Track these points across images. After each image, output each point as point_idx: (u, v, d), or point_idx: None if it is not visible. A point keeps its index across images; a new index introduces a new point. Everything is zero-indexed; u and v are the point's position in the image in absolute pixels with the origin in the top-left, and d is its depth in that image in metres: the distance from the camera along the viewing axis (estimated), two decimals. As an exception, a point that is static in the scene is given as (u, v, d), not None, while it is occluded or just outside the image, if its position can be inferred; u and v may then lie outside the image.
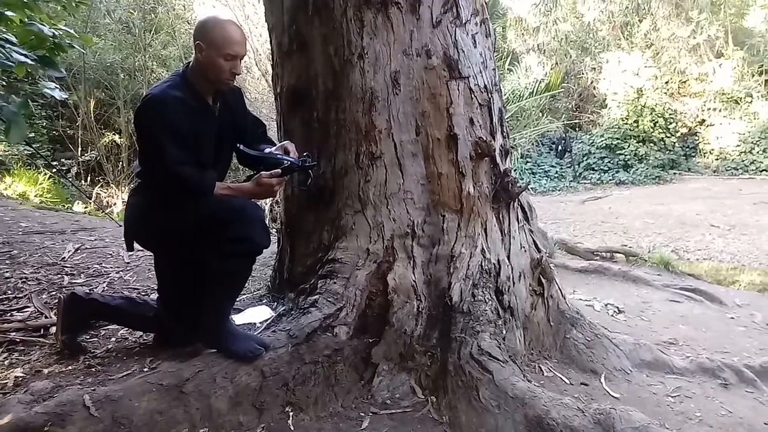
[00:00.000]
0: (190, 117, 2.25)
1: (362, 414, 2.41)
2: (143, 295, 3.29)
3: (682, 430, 2.25)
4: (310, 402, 2.41)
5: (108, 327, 2.88)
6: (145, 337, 2.79)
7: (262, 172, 2.28)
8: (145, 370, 2.44)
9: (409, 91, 2.69)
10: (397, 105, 2.69)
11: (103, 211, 7.76)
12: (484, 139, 2.75)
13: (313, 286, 2.71)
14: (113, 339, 2.79)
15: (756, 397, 2.73)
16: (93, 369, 2.44)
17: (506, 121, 3.09)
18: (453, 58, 2.71)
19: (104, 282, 3.65)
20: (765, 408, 2.63)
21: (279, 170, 2.28)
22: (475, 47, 2.79)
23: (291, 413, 2.37)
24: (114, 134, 11.07)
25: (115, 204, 9.72)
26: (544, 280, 2.91)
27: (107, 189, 10.54)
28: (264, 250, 2.43)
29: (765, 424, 2.46)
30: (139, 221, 2.41)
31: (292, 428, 2.31)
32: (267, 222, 2.76)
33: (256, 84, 14.68)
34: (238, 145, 2.38)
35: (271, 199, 9.47)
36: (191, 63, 2.32)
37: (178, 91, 2.24)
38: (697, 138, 15.18)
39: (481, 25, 2.84)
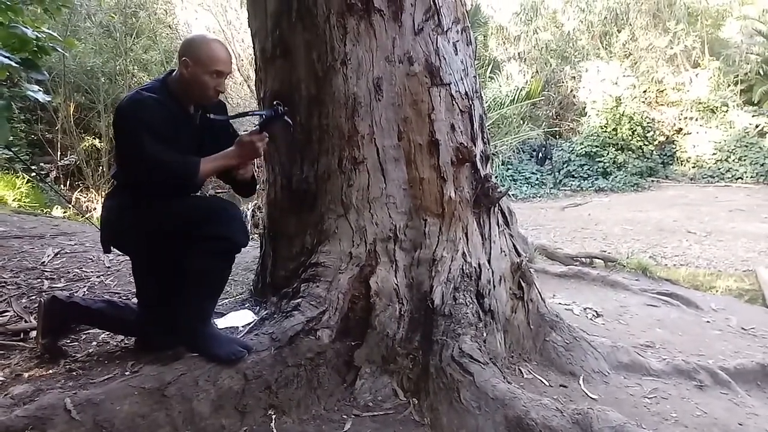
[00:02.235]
0: (168, 120, 2.27)
1: (344, 416, 2.42)
2: (124, 299, 3.28)
3: (658, 430, 2.30)
4: (293, 405, 2.42)
5: (89, 331, 2.86)
6: (126, 341, 2.78)
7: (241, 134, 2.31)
8: (127, 373, 2.42)
9: (392, 97, 2.72)
10: (380, 111, 2.72)
11: (83, 216, 7.68)
12: (465, 144, 2.79)
13: (296, 289, 2.73)
14: (94, 343, 2.78)
15: (731, 398, 2.79)
16: (74, 373, 2.43)
17: (487, 128, 3.14)
18: (434, 65, 2.75)
19: (85, 286, 3.63)
20: (739, 409, 2.69)
21: (257, 127, 2.32)
22: (457, 55, 2.84)
23: (274, 416, 2.37)
24: (94, 138, 10.97)
25: (95, 209, 9.62)
26: (524, 284, 2.96)
27: (87, 193, 10.43)
28: (243, 250, 2.45)
29: (740, 424, 2.52)
30: (114, 223, 2.41)
31: (274, 431, 2.32)
32: (247, 223, 2.76)
33: (238, 89, 14.65)
34: (207, 114, 2.37)
35: (252, 202, 9.46)
36: (174, 74, 2.36)
37: (157, 95, 2.27)
38: (674, 146, 15.43)
39: (462, 33, 2.89)
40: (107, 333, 2.84)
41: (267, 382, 2.37)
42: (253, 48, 3.15)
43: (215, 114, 2.42)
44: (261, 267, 3.26)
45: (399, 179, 2.75)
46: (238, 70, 14.52)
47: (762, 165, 13.88)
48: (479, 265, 2.77)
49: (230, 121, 2.52)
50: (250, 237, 2.84)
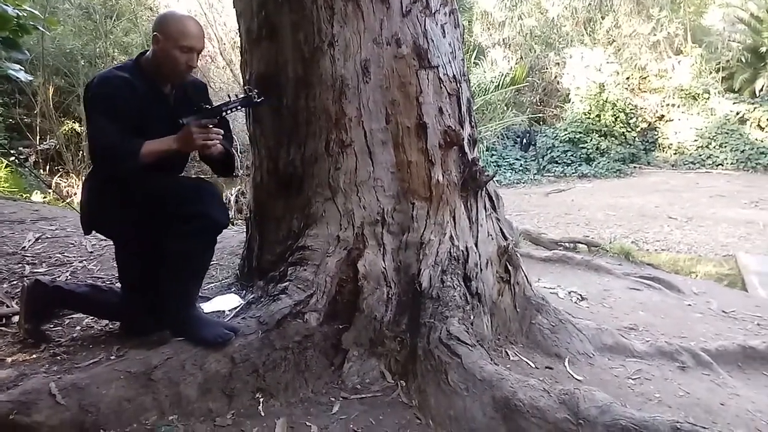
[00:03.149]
0: (137, 99, 2.26)
1: (332, 399, 2.43)
2: (108, 284, 3.24)
3: (642, 410, 2.32)
4: (281, 388, 2.42)
5: (73, 315, 2.84)
6: (111, 326, 2.75)
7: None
8: (112, 357, 2.41)
9: (379, 80, 2.70)
10: (368, 93, 2.70)
11: (63, 201, 7.58)
12: (453, 128, 2.78)
13: (283, 273, 2.72)
14: (78, 327, 2.75)
15: (712, 379, 2.84)
16: (58, 357, 2.41)
17: (474, 112, 3.14)
18: (422, 47, 2.73)
19: (67, 271, 3.59)
20: (721, 389, 2.74)
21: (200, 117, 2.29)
22: (444, 37, 2.82)
23: (261, 399, 2.38)
24: (74, 122, 10.79)
25: (75, 193, 9.49)
26: (510, 267, 2.97)
27: (67, 178, 10.28)
28: (228, 234, 2.44)
29: (721, 404, 2.57)
30: (93, 205, 2.41)
31: (262, 414, 2.32)
32: (230, 208, 2.74)
33: (221, 74, 14.50)
34: (180, 121, 2.32)
35: (236, 187, 9.39)
36: (146, 53, 2.37)
37: (127, 74, 2.27)
38: (656, 133, 15.55)
39: (450, 15, 2.87)
40: (91, 318, 2.81)
41: (254, 365, 2.37)
42: (238, 29, 3.11)
43: (196, 99, 2.41)
44: (247, 251, 3.24)
45: (387, 162, 2.73)
46: (221, 54, 14.37)
47: (742, 152, 14.06)
48: (466, 248, 2.78)
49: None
50: (233, 220, 2.81)
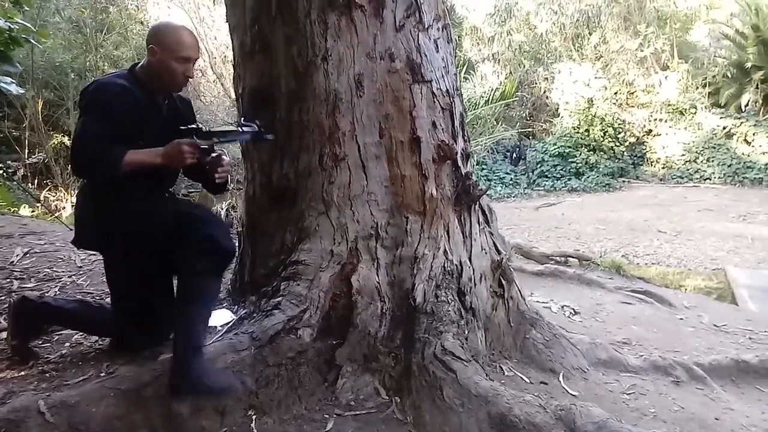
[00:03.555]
0: (134, 106, 2.24)
1: (326, 416, 2.40)
2: (98, 299, 3.20)
3: (638, 425, 2.31)
4: (274, 405, 2.39)
5: (62, 332, 2.79)
6: (100, 342, 2.71)
7: None
8: (102, 374, 2.37)
9: (373, 94, 2.70)
10: (361, 107, 2.70)
11: (52, 215, 7.50)
12: (447, 142, 2.79)
13: (276, 288, 2.69)
14: (67, 344, 2.71)
15: (706, 393, 2.84)
16: (47, 374, 2.37)
17: (466, 126, 3.15)
18: (416, 62, 2.74)
19: (56, 286, 3.53)
20: (715, 404, 2.74)
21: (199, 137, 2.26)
22: (437, 52, 2.83)
23: (254, 416, 2.34)
24: (63, 136, 10.71)
25: (64, 207, 9.41)
26: (504, 282, 2.96)
27: (56, 192, 10.18)
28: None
29: (716, 419, 2.56)
30: (89, 222, 2.36)
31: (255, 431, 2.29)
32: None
33: (211, 87, 14.48)
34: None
35: (226, 202, 9.34)
36: (141, 64, 2.36)
37: (125, 81, 2.26)
38: (644, 147, 15.69)
39: (443, 30, 2.88)
40: (80, 334, 2.77)
41: (247, 383, 2.33)
42: (231, 43, 3.10)
43: (184, 114, 2.44)
44: (239, 265, 3.21)
45: (380, 176, 2.73)
46: (211, 68, 14.36)
47: (729, 166, 14.21)
48: (460, 262, 2.77)
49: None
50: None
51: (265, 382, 2.39)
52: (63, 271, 3.84)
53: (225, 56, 14.78)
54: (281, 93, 2.80)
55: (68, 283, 3.61)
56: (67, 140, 10.60)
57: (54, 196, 10.06)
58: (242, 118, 2.62)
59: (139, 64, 2.37)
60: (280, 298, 2.60)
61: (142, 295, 2.44)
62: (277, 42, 2.76)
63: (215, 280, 2.30)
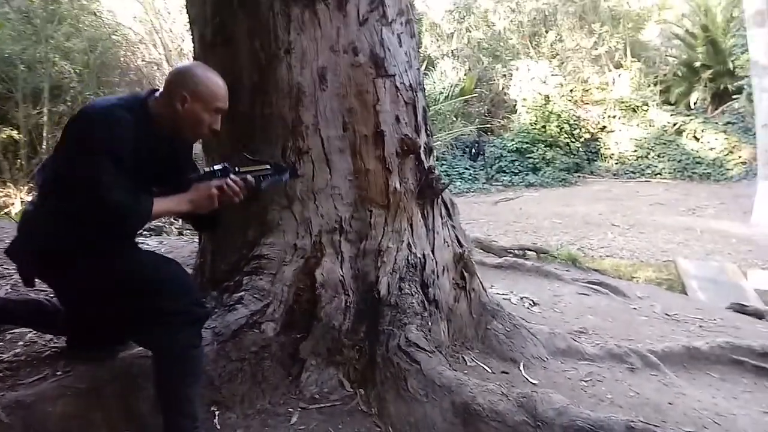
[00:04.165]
0: (136, 147, 1.97)
1: (290, 410, 2.40)
2: (51, 296, 3.11)
3: (596, 411, 2.38)
4: (237, 400, 2.37)
5: (15, 330, 2.70)
6: (56, 341, 2.63)
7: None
8: (59, 373, 2.31)
9: (336, 88, 2.70)
10: (325, 101, 2.69)
11: (0, 211, 7.24)
12: (410, 136, 2.81)
13: (238, 282, 2.66)
14: (21, 342, 2.62)
15: (660, 379, 2.94)
16: (0, 374, 2.29)
17: (429, 121, 3.17)
18: (379, 56, 2.75)
19: (7, 284, 3.42)
20: (668, 389, 2.84)
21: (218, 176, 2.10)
22: (401, 46, 2.85)
23: (217, 412, 2.33)
24: (12, 129, 10.32)
25: (13, 204, 9.09)
26: (466, 274, 3.01)
27: (3, 188, 9.82)
28: (180, 245, 2.32)
29: (669, 403, 2.66)
30: (50, 261, 2.04)
31: (218, 427, 2.27)
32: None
33: (167, 81, 14.18)
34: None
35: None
36: (158, 99, 2.11)
37: (131, 114, 1.99)
38: (598, 143, 16.08)
39: (406, 25, 2.90)
40: (35, 332, 2.69)
41: (210, 377, 2.31)
42: (191, 35, 3.05)
43: (183, 152, 2.24)
44: (200, 261, 3.17)
45: (344, 170, 2.73)
46: (168, 61, 14.09)
47: (679, 161, 14.69)
48: (424, 255, 2.80)
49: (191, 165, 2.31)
50: (181, 230, 2.66)
51: (228, 377, 2.37)
52: (14, 269, 3.71)
53: (181, 50, 14.52)
54: (243, 86, 2.77)
55: (20, 281, 3.49)
56: (16, 134, 10.23)
57: (2, 192, 9.71)
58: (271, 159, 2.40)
59: (155, 98, 2.12)
60: (242, 293, 2.57)
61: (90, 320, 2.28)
62: (239, 34, 2.73)
63: (195, 346, 2.08)
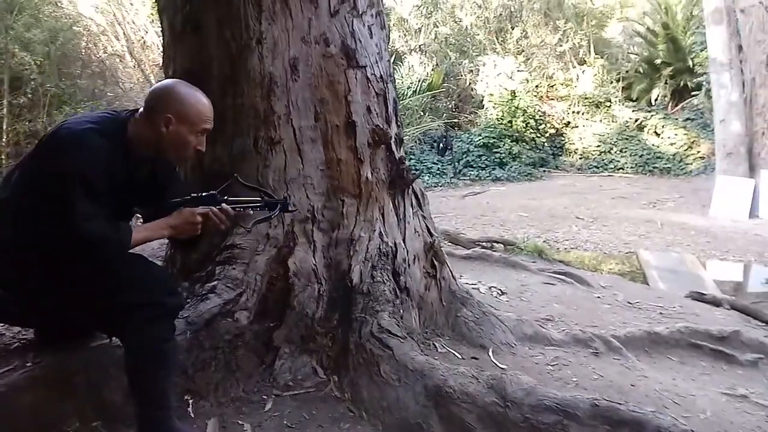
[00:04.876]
0: (110, 173, 1.90)
1: (265, 397, 2.42)
2: None
3: (562, 392, 2.46)
4: (211, 388, 2.39)
5: (-19, 322, 2.66)
6: (24, 333, 2.60)
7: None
8: (29, 364, 2.28)
9: (308, 78, 2.72)
10: (296, 91, 2.71)
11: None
12: (381, 126, 2.85)
13: (211, 272, 2.67)
14: (-12, 335, 2.59)
15: (622, 363, 3.04)
16: (-32, 366, 2.26)
17: (399, 112, 3.22)
18: (350, 47, 2.78)
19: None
20: (630, 372, 2.94)
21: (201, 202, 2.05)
22: (371, 38, 2.88)
23: (191, 401, 2.33)
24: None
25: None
26: (436, 263, 3.07)
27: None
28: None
29: (632, 385, 2.75)
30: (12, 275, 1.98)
31: (192, 416, 2.28)
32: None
33: (130, 74, 13.93)
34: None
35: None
36: (137, 119, 2.01)
37: (105, 138, 1.89)
38: (563, 138, 16.33)
39: (376, 16, 2.94)
40: (2, 324, 2.65)
41: (183, 366, 2.31)
42: (161, 23, 3.03)
43: (165, 176, 2.14)
44: (170, 252, 3.15)
45: (316, 160, 2.75)
46: (130, 53, 13.82)
47: (640, 156, 15.03)
48: (395, 244, 2.85)
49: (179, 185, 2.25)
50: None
51: (202, 366, 2.38)
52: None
53: (144, 41, 14.25)
54: (213, 76, 2.77)
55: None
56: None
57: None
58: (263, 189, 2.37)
59: (135, 118, 2.01)
60: (215, 282, 2.58)
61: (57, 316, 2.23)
62: (210, 23, 2.73)
63: (169, 339, 2.04)
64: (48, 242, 1.85)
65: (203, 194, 2.07)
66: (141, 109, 2.03)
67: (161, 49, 3.02)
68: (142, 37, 14.23)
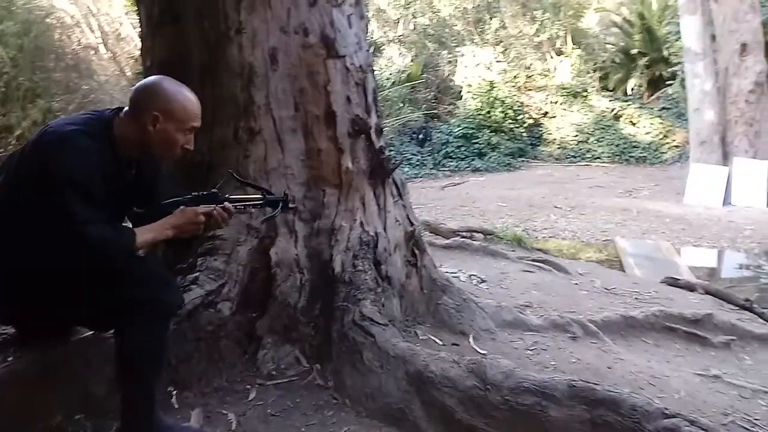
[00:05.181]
0: (102, 175, 1.86)
1: (248, 386, 2.45)
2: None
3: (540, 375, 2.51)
4: (194, 379, 2.40)
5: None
6: (4, 328, 2.58)
7: None
8: (10, 359, 2.28)
9: (288, 68, 2.73)
10: (276, 81, 2.72)
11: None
12: (361, 116, 2.86)
13: (192, 264, 2.67)
14: (-34, 330, 2.56)
15: (599, 346, 3.11)
16: (-50, 361, 2.24)
17: (379, 102, 3.23)
18: (330, 37, 2.78)
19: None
20: (607, 355, 3.01)
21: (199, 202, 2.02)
22: (351, 28, 2.89)
23: (174, 392, 2.35)
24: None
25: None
26: (417, 251, 3.10)
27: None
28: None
29: (608, 368, 2.82)
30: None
31: (176, 406, 2.29)
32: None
33: (105, 67, 13.72)
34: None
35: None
36: (123, 119, 1.95)
37: (92, 139, 1.85)
38: (541, 128, 16.45)
39: (356, 6, 2.94)
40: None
41: (166, 358, 2.32)
42: (138, 14, 3.01)
43: (145, 171, 2.07)
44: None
45: (296, 150, 2.76)
46: (105, 45, 13.60)
47: (617, 146, 15.21)
48: (376, 233, 2.87)
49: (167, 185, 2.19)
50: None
51: (185, 357, 2.39)
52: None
53: (119, 33, 14.04)
54: (192, 66, 2.76)
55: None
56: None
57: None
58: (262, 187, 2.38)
59: (120, 118, 1.96)
60: (197, 274, 2.58)
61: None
62: (188, 13, 2.72)
63: (163, 337, 2.03)
64: (48, 249, 1.80)
65: (203, 193, 2.06)
66: (126, 108, 1.98)
67: (136, 41, 2.99)
68: (117, 29, 14.01)
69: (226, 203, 2.05)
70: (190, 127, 1.98)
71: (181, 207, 2.00)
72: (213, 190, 2.08)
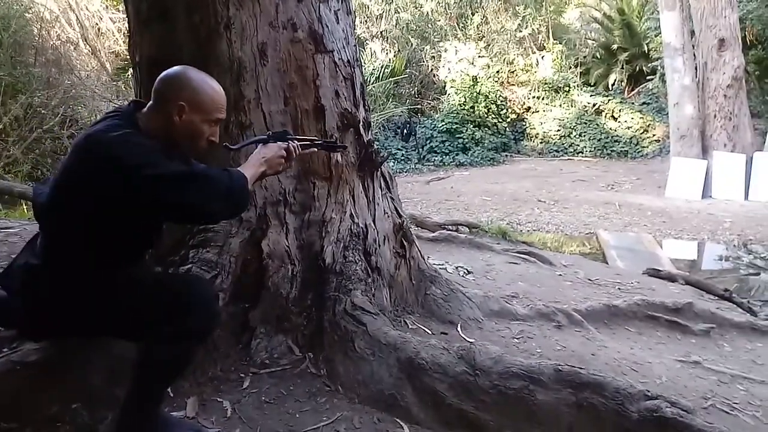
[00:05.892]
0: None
1: (242, 375, 2.49)
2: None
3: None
4: (189, 369, 2.42)
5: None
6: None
7: None
8: (5, 350, 2.29)
9: (277, 63, 2.76)
10: (265, 76, 2.75)
11: None
12: (349, 110, 2.91)
13: (185, 256, 2.69)
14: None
15: (584, 335, 3.20)
16: (-53, 352, 2.25)
17: (367, 96, 3.28)
18: (318, 32, 2.82)
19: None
20: (591, 343, 3.10)
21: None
22: (338, 23, 2.93)
23: (169, 382, 2.37)
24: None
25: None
26: (405, 243, 3.16)
27: None
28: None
29: (592, 355, 2.91)
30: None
31: (171, 395, 2.32)
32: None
33: (85, 62, 13.58)
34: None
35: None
36: (147, 112, 1.93)
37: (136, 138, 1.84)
38: (524, 123, 16.61)
39: (342, 2, 2.98)
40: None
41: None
42: (126, 10, 3.02)
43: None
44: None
45: (287, 144, 2.80)
46: (85, 40, 13.47)
47: (599, 140, 15.41)
48: (365, 225, 2.92)
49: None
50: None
51: (180, 348, 2.42)
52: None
53: (99, 29, 13.90)
54: (182, 61, 2.75)
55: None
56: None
57: None
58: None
59: (144, 111, 1.94)
60: (190, 266, 2.61)
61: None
62: (177, 9, 2.73)
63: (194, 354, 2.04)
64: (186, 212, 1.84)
65: (276, 131, 2.19)
66: (150, 102, 1.95)
67: (117, 36, 2.99)
68: (97, 24, 13.87)
69: (295, 142, 2.13)
70: (216, 118, 1.95)
71: (271, 144, 2.06)
72: (284, 129, 2.30)
